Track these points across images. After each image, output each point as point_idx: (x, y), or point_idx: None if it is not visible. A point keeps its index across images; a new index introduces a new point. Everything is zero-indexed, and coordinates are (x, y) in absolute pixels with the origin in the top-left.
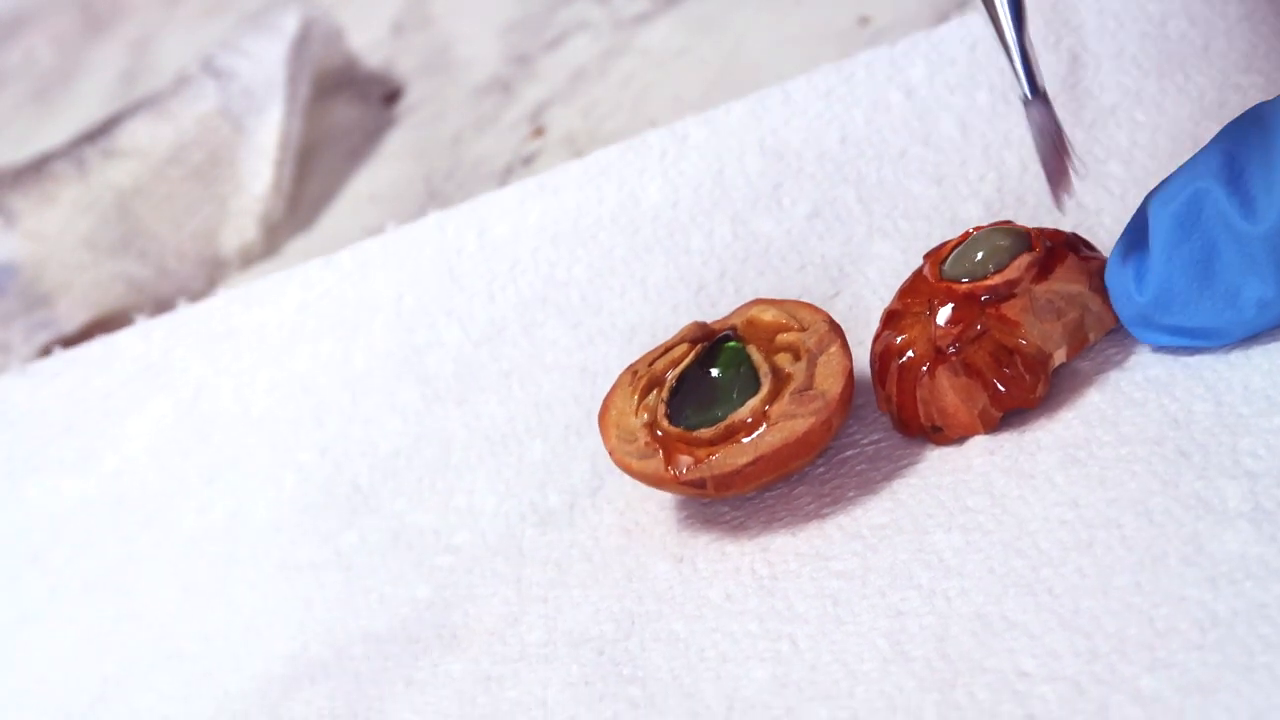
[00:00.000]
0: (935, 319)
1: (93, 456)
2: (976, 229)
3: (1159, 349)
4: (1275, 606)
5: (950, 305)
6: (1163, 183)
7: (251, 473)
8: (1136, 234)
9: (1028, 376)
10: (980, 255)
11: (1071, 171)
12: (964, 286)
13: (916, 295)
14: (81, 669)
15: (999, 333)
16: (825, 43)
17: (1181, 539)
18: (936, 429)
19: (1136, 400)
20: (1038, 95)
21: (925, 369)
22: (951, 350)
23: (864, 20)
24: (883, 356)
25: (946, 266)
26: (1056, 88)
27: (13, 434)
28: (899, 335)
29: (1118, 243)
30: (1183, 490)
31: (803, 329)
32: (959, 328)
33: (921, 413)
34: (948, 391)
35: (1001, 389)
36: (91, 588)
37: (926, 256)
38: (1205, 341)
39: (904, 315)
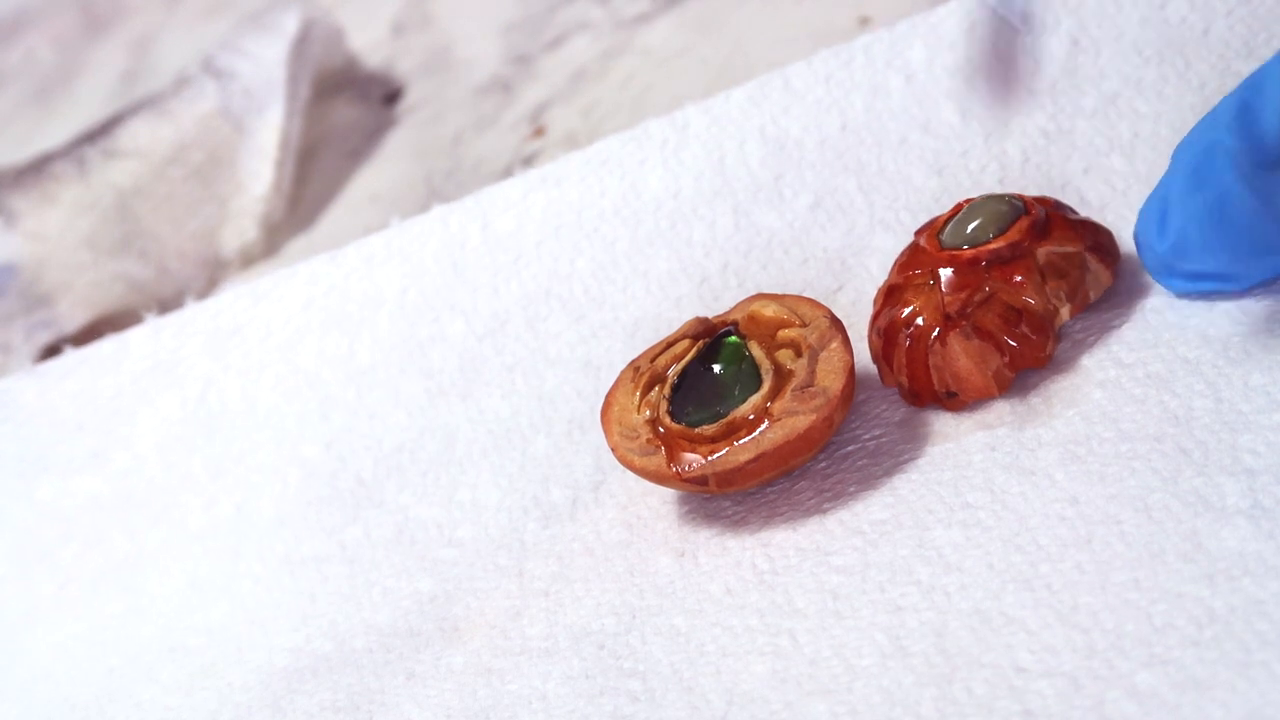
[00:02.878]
0: (941, 287)
1: (102, 454)
2: (968, 200)
3: (1158, 349)
4: (1272, 603)
5: (955, 272)
6: (1187, 134)
7: (257, 468)
8: (1163, 187)
9: (1036, 336)
10: (979, 222)
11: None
12: (967, 253)
13: (917, 267)
14: (88, 662)
15: (1006, 294)
16: (825, 43)
17: (1180, 535)
18: (950, 394)
19: (1136, 397)
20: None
21: (935, 335)
22: (961, 315)
23: (864, 20)
24: (888, 330)
25: (945, 236)
26: (1056, 72)
27: (24, 433)
28: (905, 307)
29: (1148, 197)
30: (1182, 487)
31: (804, 324)
32: (966, 293)
33: (935, 380)
34: (960, 356)
35: (1014, 345)
36: (99, 583)
37: (919, 232)
38: (1223, 285)
39: (905, 288)
